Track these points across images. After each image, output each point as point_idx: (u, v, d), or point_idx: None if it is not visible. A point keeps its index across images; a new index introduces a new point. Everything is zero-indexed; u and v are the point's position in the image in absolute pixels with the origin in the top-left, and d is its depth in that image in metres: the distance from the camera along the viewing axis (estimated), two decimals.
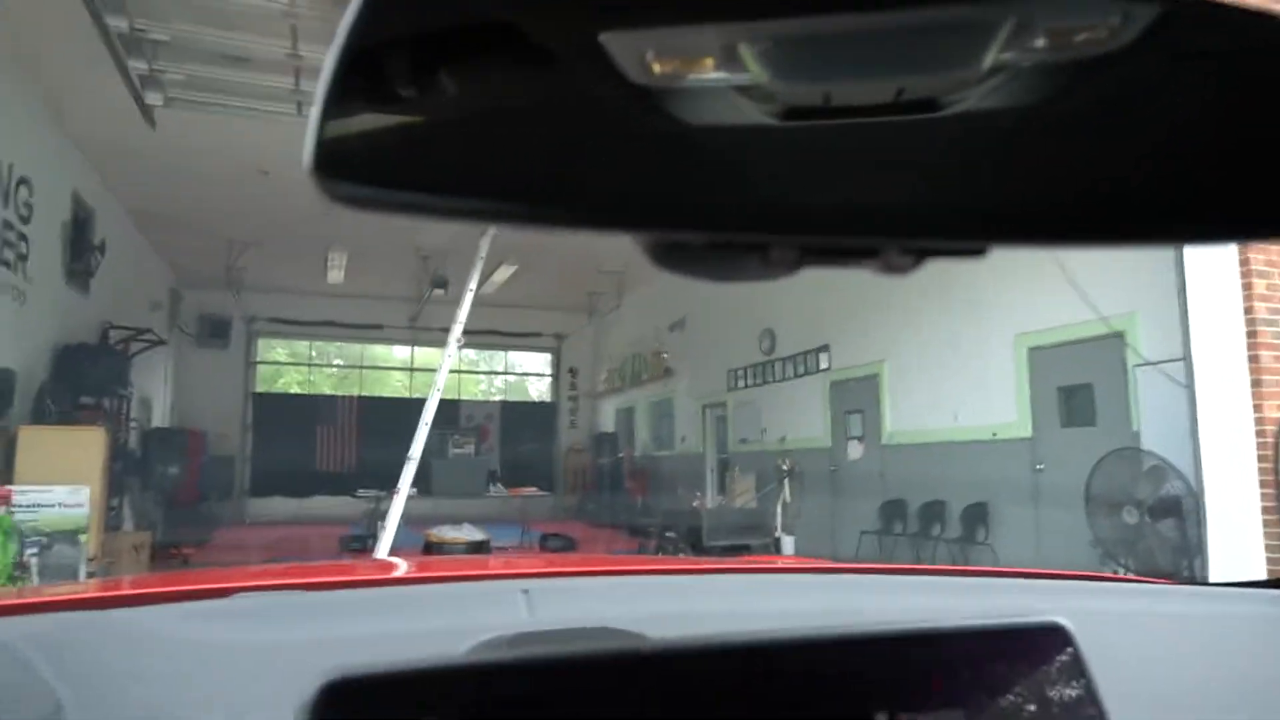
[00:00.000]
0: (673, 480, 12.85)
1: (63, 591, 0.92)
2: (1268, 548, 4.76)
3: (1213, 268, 4.93)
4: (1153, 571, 5.02)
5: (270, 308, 14.90)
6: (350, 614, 0.75)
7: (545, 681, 0.46)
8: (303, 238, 10.85)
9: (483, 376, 18.31)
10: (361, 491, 10.32)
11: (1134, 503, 5.45)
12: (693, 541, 8.58)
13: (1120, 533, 5.53)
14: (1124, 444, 5.95)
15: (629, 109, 0.35)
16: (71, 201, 8.41)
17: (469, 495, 12.10)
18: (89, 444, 6.95)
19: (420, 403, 6.47)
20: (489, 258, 7.10)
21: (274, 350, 16.82)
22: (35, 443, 6.66)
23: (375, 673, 0.41)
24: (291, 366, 17.31)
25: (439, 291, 11.84)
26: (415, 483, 6.13)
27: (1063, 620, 0.53)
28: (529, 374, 18.53)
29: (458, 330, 6.56)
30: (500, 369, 18.34)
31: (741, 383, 11.68)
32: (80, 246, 8.59)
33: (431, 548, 8.53)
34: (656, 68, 0.35)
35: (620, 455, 15.16)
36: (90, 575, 5.82)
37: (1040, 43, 0.36)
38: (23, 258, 7.13)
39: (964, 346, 7.79)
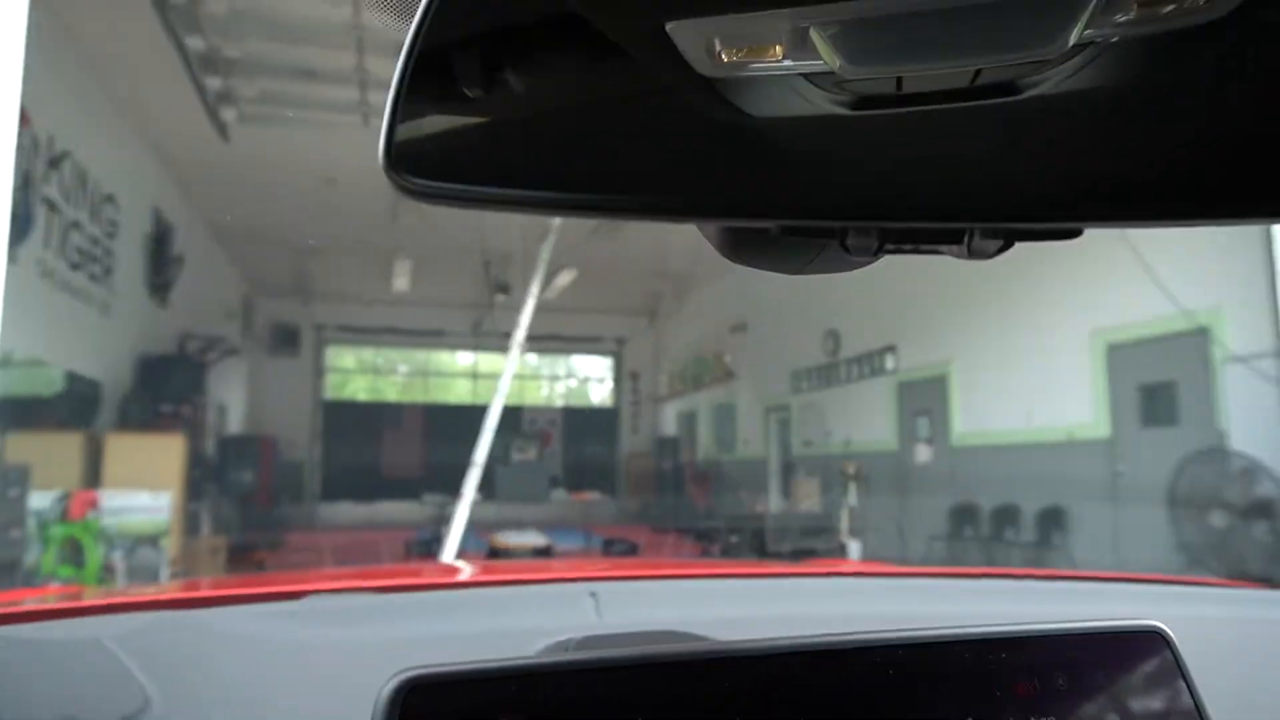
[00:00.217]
0: (736, 484, 12.77)
1: (148, 592, 0.95)
2: None
3: None
4: (1245, 576, 4.80)
5: (338, 315, 15.28)
6: (422, 615, 0.76)
7: (615, 684, 0.45)
8: (368, 245, 11.11)
9: (545, 382, 18.48)
10: (427, 496, 10.50)
11: (1223, 505, 5.22)
12: (757, 546, 8.51)
13: (1209, 536, 5.30)
14: (1210, 444, 5.71)
15: (697, 100, 0.35)
16: (152, 216, 8.76)
17: (532, 500, 12.22)
18: (169, 451, 7.22)
19: (484, 409, 6.56)
20: (550, 262, 7.17)
21: (342, 358, 17.24)
22: (120, 450, 6.94)
23: (449, 672, 0.41)
24: (359, 374, 17.72)
25: (501, 297, 12.00)
26: (479, 488, 6.21)
27: (1161, 625, 0.51)
28: (590, 378, 18.64)
29: (520, 335, 6.63)
30: (562, 374, 18.48)
31: (805, 385, 11.55)
32: (160, 259, 8.95)
33: (496, 553, 8.62)
34: (724, 57, 0.35)
35: (682, 459, 15.13)
36: (171, 578, 6.04)
37: (1129, 16, 0.34)
38: (108, 272, 7.45)
39: (1037, 344, 7.57)
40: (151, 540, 5.98)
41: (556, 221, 7.13)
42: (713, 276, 12.15)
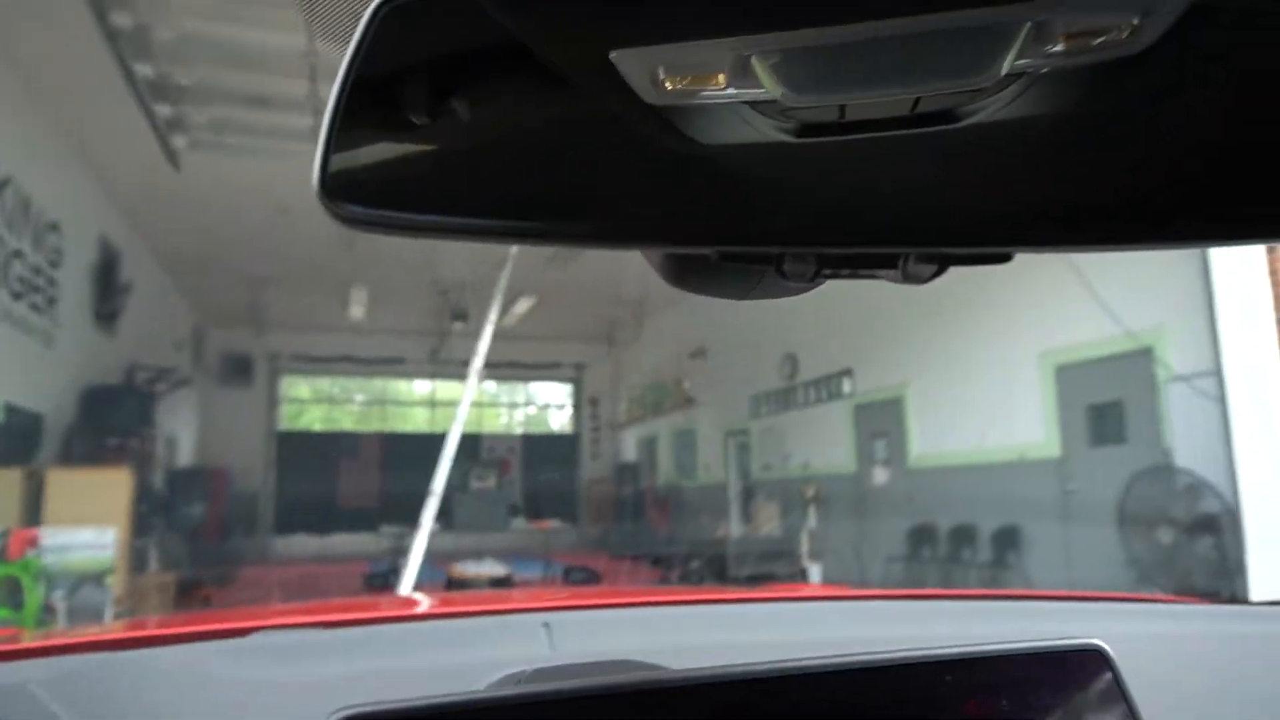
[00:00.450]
0: (696, 509, 12.76)
1: (85, 633, 0.92)
2: None
3: (1241, 278, 4.86)
4: (1192, 592, 4.91)
5: (292, 345, 15.04)
6: (370, 651, 0.74)
7: (566, 716, 0.45)
8: (324, 274, 10.98)
9: (504, 409, 18.35)
10: (384, 527, 10.33)
11: (1169, 522, 5.35)
12: (717, 571, 8.50)
13: (1157, 553, 5.42)
14: (1156, 462, 5.85)
15: (641, 128, 0.35)
16: (99, 244, 8.56)
17: (492, 529, 12.09)
18: (115, 485, 7.01)
19: (442, 437, 6.49)
20: (508, 289, 7.15)
21: (297, 387, 16.95)
22: (63, 485, 6.73)
23: (392, 709, 0.40)
24: (314, 403, 17.43)
25: (459, 324, 11.92)
26: (438, 518, 6.12)
27: (1100, 643, 0.52)
28: (550, 405, 18.54)
29: (478, 362, 6.59)
30: (521, 401, 18.37)
31: (764, 409, 11.62)
32: (107, 288, 8.74)
33: (455, 584, 8.50)
34: (668, 85, 0.35)
35: (643, 486, 15.09)
36: (116, 617, 5.84)
37: (1059, 48, 0.35)
38: (52, 301, 7.26)
39: (989, 366, 7.72)
40: (96, 579, 5.78)
41: (514, 249, 7.12)
42: (671, 302, 12.22)
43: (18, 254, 6.60)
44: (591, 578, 9.60)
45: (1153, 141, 0.37)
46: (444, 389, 16.31)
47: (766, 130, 0.37)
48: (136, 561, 8.07)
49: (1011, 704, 0.49)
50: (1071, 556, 6.74)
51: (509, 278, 7.02)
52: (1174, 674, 0.71)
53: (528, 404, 18.58)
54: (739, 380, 12.00)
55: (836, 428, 9.97)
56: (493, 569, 8.71)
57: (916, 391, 8.74)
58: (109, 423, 8.20)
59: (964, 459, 8.01)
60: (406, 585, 5.60)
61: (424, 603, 1.23)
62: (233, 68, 6.25)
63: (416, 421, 17.73)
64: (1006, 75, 0.36)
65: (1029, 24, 0.34)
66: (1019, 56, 0.35)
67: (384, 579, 9.02)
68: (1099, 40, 0.34)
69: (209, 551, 11.09)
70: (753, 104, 0.37)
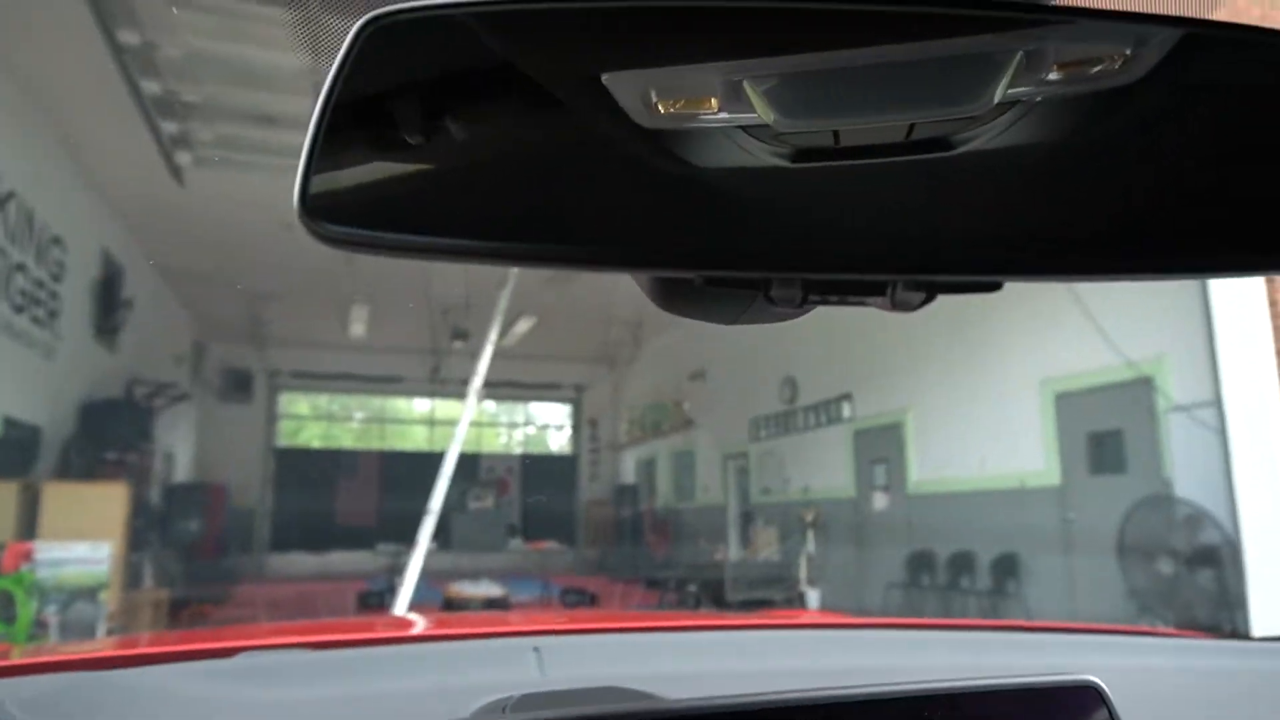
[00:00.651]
0: (694, 532, 12.70)
1: (69, 651, 0.90)
2: None
3: (1241, 308, 4.87)
4: (1192, 625, 4.87)
5: (292, 362, 15.05)
6: (357, 673, 0.73)
7: None
8: (325, 291, 11.00)
9: (503, 429, 18.31)
10: (381, 546, 10.28)
11: (1169, 552, 5.31)
12: (715, 595, 8.45)
13: (1156, 584, 5.38)
14: (1156, 492, 5.83)
15: (633, 150, 0.34)
16: (101, 259, 8.58)
17: (489, 549, 12.03)
18: (111, 500, 6.99)
19: (440, 456, 6.47)
20: (509, 310, 7.16)
21: (296, 404, 16.94)
22: (59, 499, 6.70)
23: None
24: (313, 420, 17.40)
25: (459, 343, 11.92)
26: (435, 537, 6.09)
27: (1095, 679, 0.51)
28: (549, 425, 18.51)
29: (478, 382, 6.58)
30: (520, 421, 18.34)
31: (763, 433, 11.59)
32: (109, 303, 8.75)
33: (451, 603, 8.44)
34: (660, 108, 0.35)
35: (641, 508, 15.03)
36: (109, 633, 5.80)
37: (1053, 76, 0.35)
38: (53, 315, 7.26)
39: (989, 393, 7.71)
40: (89, 594, 5.74)
41: (514, 269, 7.14)
42: (670, 324, 12.23)
43: (20, 267, 6.61)
44: (588, 600, 9.53)
45: (1146, 171, 0.37)
46: (443, 408, 16.29)
47: (760, 155, 0.37)
48: (131, 577, 8.02)
49: None
50: (1071, 586, 6.70)
51: (510, 298, 7.03)
52: (1171, 711, 0.70)
53: (527, 424, 18.55)
54: (738, 403, 11.98)
55: (836, 452, 9.94)
56: (489, 589, 8.66)
57: (916, 417, 8.72)
58: (107, 437, 8.18)
59: (963, 486, 7.98)
60: (402, 605, 5.56)
61: (415, 624, 1.21)
62: (238, 85, 6.29)
63: (415, 440, 17.69)
64: (1000, 103, 0.36)
65: (1021, 53, 0.33)
66: (1012, 85, 0.34)
67: (380, 598, 8.96)
68: (1093, 70, 0.34)
69: (204, 568, 11.02)
70: (746, 128, 0.37)
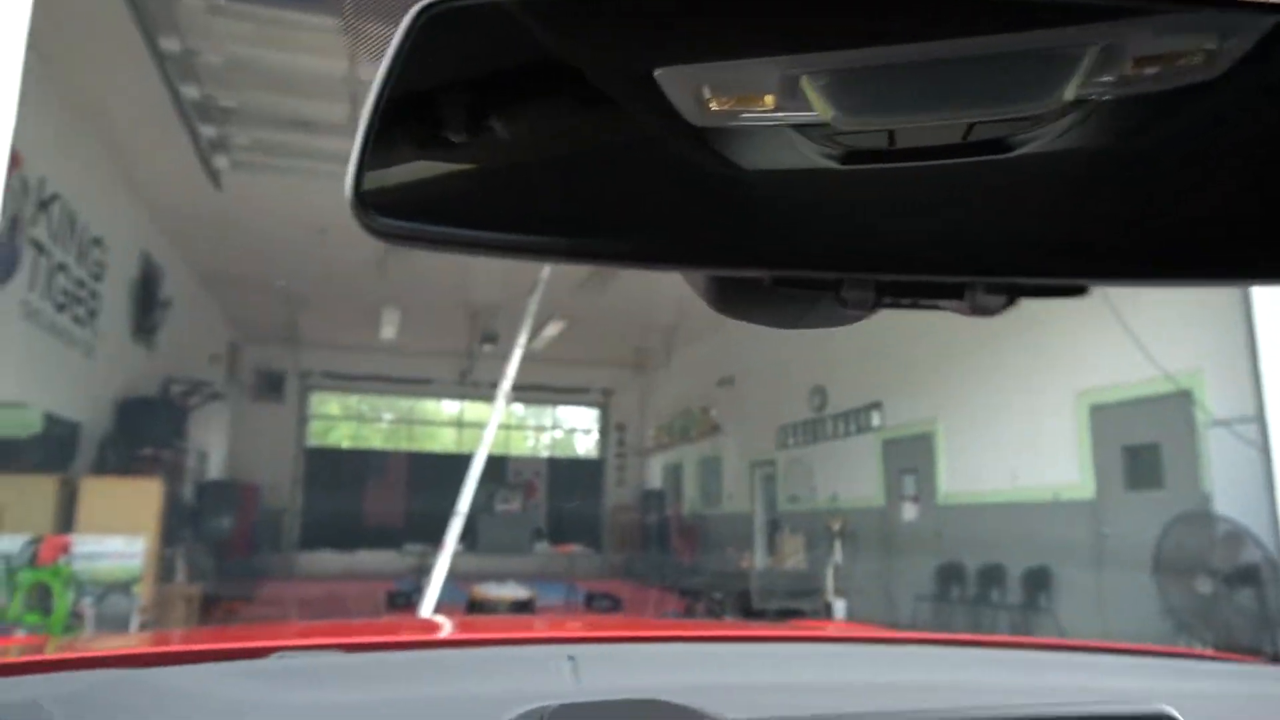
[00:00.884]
0: (721, 539, 12.65)
1: (103, 648, 0.91)
2: None
3: None
4: (1231, 644, 4.75)
5: (324, 363, 15.22)
6: (391, 677, 0.72)
7: None
8: (357, 294, 11.11)
9: (531, 432, 18.37)
10: (408, 546, 10.35)
11: (1208, 571, 5.19)
12: (741, 603, 8.40)
13: (1194, 603, 5.26)
14: (1194, 507, 5.70)
15: (683, 149, 0.33)
16: (141, 260, 8.74)
17: (515, 552, 12.06)
18: (146, 495, 7.09)
19: (468, 458, 6.49)
20: (538, 313, 7.18)
21: (327, 404, 17.12)
22: (95, 493, 6.81)
23: None
24: (343, 420, 17.58)
25: (488, 347, 11.99)
26: (461, 538, 6.11)
27: (1170, 709, 0.47)
28: (576, 429, 18.54)
29: (506, 385, 6.60)
30: (548, 424, 18.39)
31: (791, 440, 11.52)
32: (147, 303, 8.91)
33: (476, 605, 8.46)
34: (714, 105, 0.34)
35: (667, 513, 15.00)
36: (142, 626, 5.89)
37: (1127, 73, 0.33)
38: (93, 314, 7.40)
39: (1022, 404, 7.60)
40: (123, 587, 5.83)
41: (545, 273, 7.16)
42: (702, 330, 12.20)
43: (62, 267, 6.75)
44: (614, 605, 9.53)
45: (1215, 175, 0.35)
46: (472, 410, 16.38)
47: (811, 156, 0.36)
48: (164, 571, 8.14)
49: None
50: (1104, 602, 6.56)
51: (539, 302, 7.05)
52: None
53: (555, 428, 18.59)
54: (767, 410, 11.92)
55: (864, 461, 9.85)
56: (515, 592, 8.67)
57: (947, 427, 8.62)
58: (143, 434, 8.32)
59: (995, 497, 7.86)
60: (429, 606, 5.58)
61: (446, 628, 1.21)
62: (276, 91, 6.38)
63: (443, 441, 17.80)
64: (1066, 103, 0.34)
65: (1097, 48, 0.32)
66: (1084, 82, 0.33)
67: (407, 598, 9.02)
68: (1173, 65, 0.32)
69: (236, 564, 11.16)
70: (798, 128, 0.36)
